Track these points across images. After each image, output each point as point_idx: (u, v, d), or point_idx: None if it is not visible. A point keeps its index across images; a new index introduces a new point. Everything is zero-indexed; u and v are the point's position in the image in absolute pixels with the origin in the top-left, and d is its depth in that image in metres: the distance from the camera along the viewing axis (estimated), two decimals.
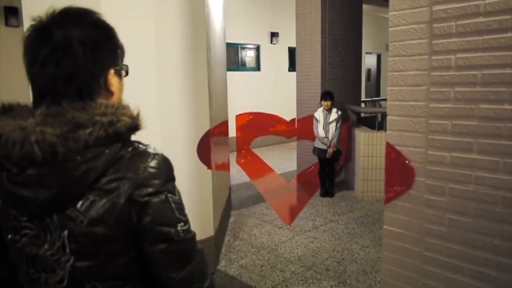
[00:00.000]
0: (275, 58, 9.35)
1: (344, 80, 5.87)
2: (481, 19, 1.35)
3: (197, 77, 3.08)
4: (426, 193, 1.55)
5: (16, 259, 0.83)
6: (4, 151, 0.70)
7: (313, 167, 5.73)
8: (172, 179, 0.82)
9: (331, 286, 3.13)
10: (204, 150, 3.18)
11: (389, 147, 1.64)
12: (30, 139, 0.68)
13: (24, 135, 0.69)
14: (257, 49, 9.05)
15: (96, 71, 0.77)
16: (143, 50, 2.74)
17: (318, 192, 5.31)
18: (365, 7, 6.50)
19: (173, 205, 0.79)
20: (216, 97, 3.73)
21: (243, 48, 8.83)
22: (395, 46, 1.57)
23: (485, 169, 1.40)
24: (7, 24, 5.47)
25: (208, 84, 3.22)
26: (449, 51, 1.44)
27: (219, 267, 3.41)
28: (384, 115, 4.67)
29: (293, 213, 4.67)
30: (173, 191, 0.81)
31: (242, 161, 6.78)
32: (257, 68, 9.12)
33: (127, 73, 0.87)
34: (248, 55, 9.00)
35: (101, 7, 2.41)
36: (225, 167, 4.40)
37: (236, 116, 6.59)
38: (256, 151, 7.75)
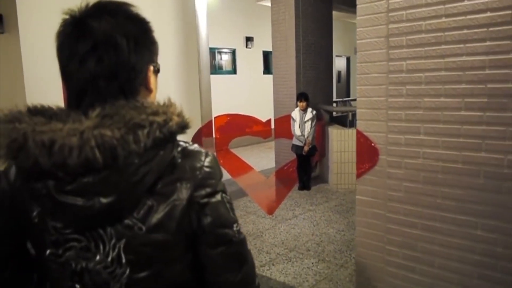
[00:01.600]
0: (250, 61, 9.84)
1: (317, 81, 6.42)
2: (423, 35, 1.87)
3: (189, 80, 3.51)
4: (387, 167, 2.05)
5: (56, 276, 0.76)
6: (59, 159, 0.64)
7: (290, 164, 6.23)
8: (222, 176, 0.81)
9: (312, 263, 3.61)
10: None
11: (359, 133, 2.14)
12: (90, 143, 0.63)
13: (82, 140, 0.64)
14: (233, 53, 9.51)
15: (138, 67, 0.74)
16: None
17: (296, 186, 5.83)
18: (335, 13, 7.08)
19: (227, 205, 0.78)
20: (204, 98, 4.17)
21: (220, 52, 9.27)
22: (361, 55, 2.07)
23: (429, 146, 1.91)
24: None
25: (199, 87, 3.66)
26: (401, 59, 1.94)
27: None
28: (354, 114, 5.23)
29: (274, 204, 5.14)
30: (226, 190, 0.80)
31: (222, 160, 7.20)
32: (233, 71, 9.57)
33: (159, 70, 0.84)
34: (224, 59, 9.44)
35: None
36: None
37: (214, 117, 6.99)
38: (235, 151, 8.19)
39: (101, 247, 0.72)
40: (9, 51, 3.97)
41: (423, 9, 1.85)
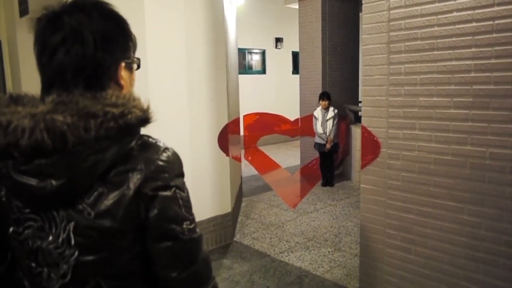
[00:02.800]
0: (279, 61, 10.16)
1: (342, 82, 6.67)
2: (419, 42, 2.14)
3: (218, 79, 3.88)
4: (387, 159, 2.34)
5: (17, 253, 0.82)
6: (12, 139, 0.68)
7: (314, 161, 6.51)
8: (182, 174, 0.82)
9: (328, 252, 3.90)
10: (223, 140, 3.98)
11: (364, 128, 2.43)
12: (40, 126, 0.67)
13: (34, 122, 0.68)
14: (263, 53, 9.87)
15: (106, 63, 0.77)
16: (175, 58, 3.53)
17: (319, 182, 6.11)
18: (362, 15, 7.29)
19: (180, 201, 0.79)
20: (231, 97, 4.54)
21: (250, 53, 9.65)
22: (366, 59, 2.37)
23: (423, 140, 2.18)
24: (21, 16, 6.02)
25: (227, 86, 4.03)
26: (400, 63, 2.23)
27: (235, 239, 4.20)
28: None
29: (297, 199, 5.46)
30: (182, 187, 0.81)
31: (250, 157, 7.57)
32: (263, 71, 9.93)
33: (138, 67, 0.87)
34: (255, 59, 9.82)
35: (145, 26, 3.22)
36: (238, 157, 5.19)
37: (244, 116, 7.35)
38: (262, 148, 8.55)
39: (54, 228, 0.76)
40: None
41: (419, 19, 2.13)
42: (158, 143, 0.81)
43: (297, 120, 7.61)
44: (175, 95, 3.49)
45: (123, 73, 0.81)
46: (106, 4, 0.80)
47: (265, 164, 7.47)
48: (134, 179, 0.75)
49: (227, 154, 4.06)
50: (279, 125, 9.44)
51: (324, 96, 5.79)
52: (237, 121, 5.22)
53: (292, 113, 7.90)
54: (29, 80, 5.24)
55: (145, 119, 0.77)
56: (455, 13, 2.00)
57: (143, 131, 0.81)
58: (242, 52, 9.34)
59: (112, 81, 0.79)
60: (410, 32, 2.17)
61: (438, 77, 2.09)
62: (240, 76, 6.15)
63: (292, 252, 3.90)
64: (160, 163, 0.78)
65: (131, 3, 3.13)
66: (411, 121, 2.22)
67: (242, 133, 7.18)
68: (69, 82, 0.74)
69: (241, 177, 5.77)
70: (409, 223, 2.28)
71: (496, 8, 1.87)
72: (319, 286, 3.25)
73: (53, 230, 0.76)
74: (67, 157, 0.70)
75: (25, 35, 5.40)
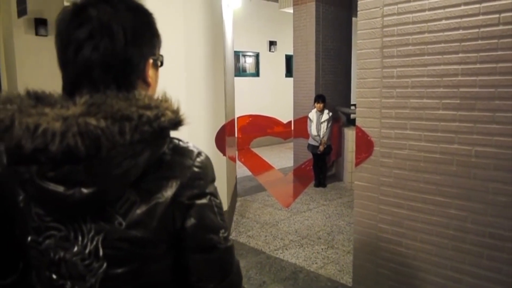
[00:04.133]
0: (273, 64, 10.33)
1: (335, 85, 6.85)
2: (410, 47, 2.30)
3: (216, 81, 4.02)
4: (380, 157, 2.49)
5: (36, 264, 0.76)
6: (41, 143, 0.63)
7: (307, 162, 6.67)
8: (214, 179, 0.80)
9: (322, 249, 4.05)
10: (220, 140, 4.11)
11: (358, 128, 2.58)
12: (73, 130, 0.63)
13: (66, 126, 0.63)
14: (257, 56, 10.03)
15: (135, 60, 0.73)
16: (175, 59, 3.66)
17: (312, 183, 6.26)
18: (355, 19, 7.49)
19: (216, 209, 0.77)
20: (228, 98, 4.67)
21: (244, 55, 9.80)
22: (360, 63, 2.52)
23: (414, 139, 2.34)
24: (37, 34, 6.32)
25: (224, 87, 4.17)
26: (393, 67, 2.38)
27: (230, 237, 4.31)
28: None
29: (291, 198, 5.60)
30: (216, 193, 0.79)
31: (243, 158, 7.71)
32: (257, 74, 10.08)
33: (162, 64, 0.84)
34: (248, 62, 9.97)
35: None
36: (233, 158, 5.32)
37: (237, 117, 7.48)
38: (256, 150, 8.69)
39: (80, 238, 0.71)
40: (54, 54, 4.58)
41: (410, 26, 2.29)
42: (190, 147, 0.78)
43: (289, 122, 7.76)
44: (174, 96, 3.61)
45: (150, 70, 0.78)
46: None
47: (259, 165, 7.61)
48: (170, 187, 0.72)
49: (224, 154, 4.19)
50: (272, 127, 9.58)
51: (319, 98, 5.96)
52: (232, 122, 5.35)
53: (285, 115, 8.05)
54: (25, 80, 5.30)
55: (178, 122, 0.72)
56: (444, 21, 2.16)
57: None
58: (236, 55, 9.49)
59: (140, 79, 0.76)
60: (402, 38, 2.33)
61: (428, 80, 2.25)
62: (234, 78, 6.29)
63: (286, 249, 4.03)
64: (196, 169, 0.75)
65: None
66: (403, 122, 2.37)
67: (235, 135, 7.29)
68: (97, 80, 0.70)
69: (236, 177, 5.89)
70: (400, 217, 2.44)
71: (481, 17, 2.04)
72: (313, 281, 3.39)
73: (79, 241, 0.71)
74: (99, 163, 0.65)
75: (22, 35, 5.48)
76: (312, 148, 6.02)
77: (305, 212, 5.13)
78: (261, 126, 9.35)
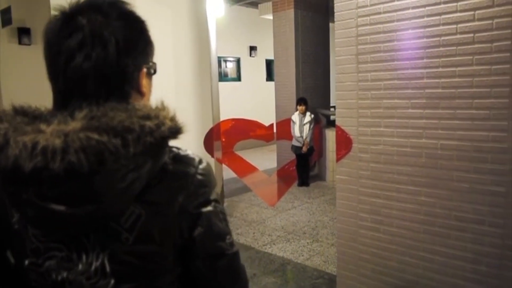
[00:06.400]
0: (254, 69, 10.62)
1: (315, 88, 7.19)
2: (382, 54, 2.61)
3: (202, 86, 4.27)
4: (358, 152, 2.79)
5: (37, 287, 0.73)
6: (41, 162, 0.60)
7: (290, 163, 6.96)
8: (216, 185, 0.80)
9: (307, 242, 4.32)
10: (208, 142, 4.35)
11: (338, 127, 2.88)
12: (75, 146, 0.60)
13: (67, 142, 0.60)
14: (238, 61, 10.30)
15: (129, 68, 0.72)
16: (164, 66, 3.89)
17: (296, 183, 6.56)
18: (332, 25, 7.85)
19: (220, 215, 0.77)
20: (214, 103, 4.92)
21: (225, 61, 10.07)
22: (339, 68, 2.82)
23: (387, 136, 2.64)
24: (20, 43, 6.38)
25: (211, 92, 4.42)
26: (367, 71, 2.69)
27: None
28: None
29: (276, 198, 5.87)
30: (218, 199, 0.79)
31: (228, 161, 7.94)
32: (238, 78, 10.36)
33: (155, 72, 0.82)
34: (229, 67, 10.23)
35: None
36: (220, 160, 5.56)
37: (220, 122, 7.71)
38: (239, 153, 8.92)
39: (84, 256, 0.69)
40: (37, 63, 4.72)
41: (381, 35, 2.60)
42: (191, 155, 0.78)
43: (272, 125, 8.03)
44: (164, 100, 3.85)
45: (144, 80, 0.77)
46: (124, 3, 0.75)
47: (244, 168, 7.85)
48: (175, 197, 0.71)
49: (213, 156, 4.43)
50: (255, 131, 9.83)
51: (301, 101, 6.28)
52: (218, 126, 5.59)
53: (267, 118, 8.30)
54: (9, 89, 5.40)
55: (178, 130, 0.71)
56: (410, 31, 2.48)
57: None
58: (218, 60, 9.73)
59: (134, 89, 0.75)
60: (375, 45, 2.64)
61: (398, 83, 2.56)
62: None
63: (274, 244, 4.30)
64: (200, 177, 0.75)
65: None
66: (377, 120, 2.68)
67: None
68: (90, 92, 0.68)
69: (222, 179, 6.13)
70: (378, 206, 2.73)
71: (441, 27, 2.36)
72: (300, 272, 3.66)
73: (83, 259, 0.69)
74: (102, 178, 0.63)
75: (6, 45, 5.58)
76: (295, 149, 6.32)
77: (290, 210, 5.41)
78: (244, 130, 9.57)
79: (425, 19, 2.42)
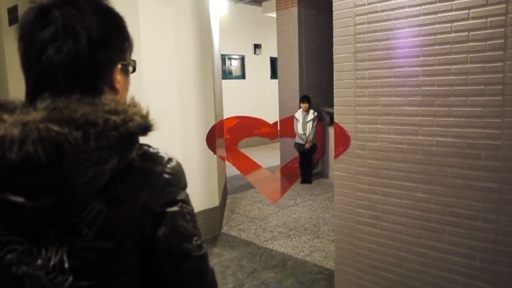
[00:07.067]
0: (258, 67, 10.67)
1: (318, 86, 7.23)
2: (379, 52, 2.66)
3: (205, 84, 4.33)
4: (356, 149, 2.84)
5: None
6: None
7: (293, 160, 7.02)
8: (186, 186, 0.79)
9: (308, 239, 4.39)
10: (211, 140, 4.42)
11: (336, 124, 2.93)
12: (33, 136, 0.60)
13: (25, 132, 0.60)
14: (242, 59, 10.37)
15: (101, 64, 0.72)
16: (167, 64, 3.97)
17: (298, 180, 6.62)
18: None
19: (188, 216, 0.76)
20: (217, 100, 4.99)
21: (230, 58, 10.13)
22: (337, 66, 2.87)
23: (384, 133, 2.69)
24: (10, 25, 6.27)
25: (213, 89, 4.49)
26: (364, 69, 2.74)
27: (222, 231, 4.63)
28: None
29: (278, 194, 5.94)
30: (188, 200, 0.78)
31: (232, 159, 8.02)
32: (242, 76, 10.42)
33: (134, 69, 0.82)
34: (234, 65, 10.30)
35: (140, 37, 3.64)
36: (223, 157, 5.64)
37: (224, 119, 7.79)
38: (243, 150, 9.00)
39: (43, 251, 0.68)
40: None
41: (378, 33, 2.65)
42: (161, 153, 0.77)
43: (276, 123, 8.10)
44: (167, 98, 3.93)
45: (119, 76, 0.77)
46: None
47: (247, 165, 7.93)
48: (139, 195, 0.71)
49: (215, 153, 4.50)
50: (259, 128, 9.90)
51: (304, 99, 6.33)
52: (221, 123, 5.67)
53: (271, 116, 8.37)
54: (17, 91, 5.51)
55: (147, 127, 0.71)
56: (406, 29, 2.53)
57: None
58: (222, 58, 9.79)
59: (107, 85, 0.75)
60: (372, 44, 2.69)
61: (394, 80, 2.61)
62: (222, 81, 6.61)
63: (275, 240, 4.36)
64: (166, 176, 0.74)
65: (127, 20, 3.55)
66: (374, 117, 2.73)
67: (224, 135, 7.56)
68: (60, 85, 0.69)
69: (226, 175, 6.20)
70: (375, 202, 2.79)
71: (437, 26, 2.41)
72: (300, 267, 3.72)
73: (43, 254, 0.68)
74: (62, 171, 0.63)
75: (13, 43, 5.69)
76: (298, 146, 6.38)
77: (292, 207, 5.47)
78: (248, 127, 9.66)
79: (421, 17, 2.47)
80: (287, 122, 6.95)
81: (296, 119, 6.38)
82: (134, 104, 0.72)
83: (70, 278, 0.68)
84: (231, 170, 7.31)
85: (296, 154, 6.63)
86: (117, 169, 0.68)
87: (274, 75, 10.64)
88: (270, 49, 10.23)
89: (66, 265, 0.68)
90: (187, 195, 0.79)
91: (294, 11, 6.84)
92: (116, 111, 0.68)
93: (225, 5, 8.20)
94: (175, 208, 0.74)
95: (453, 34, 2.37)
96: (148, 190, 0.71)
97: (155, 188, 0.72)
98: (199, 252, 0.77)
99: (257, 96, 10.44)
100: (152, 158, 0.75)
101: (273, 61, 10.65)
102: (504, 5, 2.17)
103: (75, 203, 0.67)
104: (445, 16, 2.38)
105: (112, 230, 0.69)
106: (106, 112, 0.66)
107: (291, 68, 7.05)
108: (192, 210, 0.79)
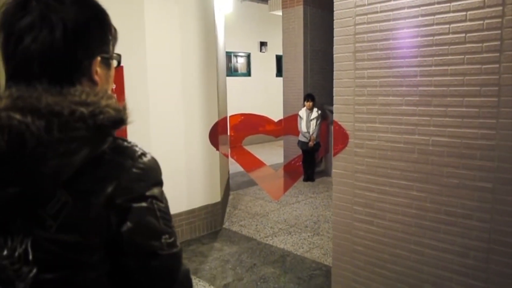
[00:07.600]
0: (264, 64, 10.72)
1: (323, 85, 7.26)
2: (378, 52, 2.71)
3: (209, 81, 4.40)
4: (354, 147, 2.89)
5: None
6: None
7: (297, 158, 7.07)
8: (160, 183, 0.77)
9: (308, 235, 4.44)
10: (213, 136, 4.49)
11: (335, 123, 2.98)
12: None
13: None
14: (248, 56, 10.42)
15: (78, 56, 0.71)
16: (171, 61, 4.03)
17: (301, 178, 6.67)
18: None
19: (158, 213, 0.74)
20: (221, 97, 5.05)
21: (236, 56, 10.19)
22: (337, 65, 2.92)
23: (382, 132, 2.74)
24: None
25: (217, 86, 4.55)
26: (364, 69, 2.78)
27: (224, 226, 4.70)
28: None
29: (280, 192, 6.00)
30: (160, 197, 0.76)
31: (236, 156, 8.09)
32: (248, 73, 10.47)
33: (119, 63, 0.82)
34: (240, 62, 10.35)
35: (145, 34, 3.71)
36: (226, 154, 5.71)
37: (229, 116, 7.85)
38: (247, 148, 9.06)
39: (9, 241, 0.68)
40: None
41: (378, 33, 2.69)
42: (134, 147, 0.76)
43: (281, 120, 8.14)
44: (171, 95, 4.00)
45: (99, 68, 0.76)
46: None
47: (251, 162, 7.99)
48: (106, 188, 0.69)
49: (217, 149, 4.57)
50: (264, 126, 9.95)
51: (308, 97, 6.38)
52: (224, 120, 5.73)
53: (276, 114, 8.41)
54: None
55: (120, 120, 0.71)
56: (405, 30, 2.57)
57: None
58: (228, 55, 9.86)
59: (85, 77, 0.74)
60: (371, 44, 2.73)
61: (392, 80, 2.65)
62: (227, 78, 6.67)
63: (275, 236, 4.43)
64: (135, 170, 0.73)
65: (132, 17, 3.63)
66: (373, 116, 2.77)
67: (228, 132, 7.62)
68: (35, 75, 0.68)
69: (228, 172, 6.27)
70: (372, 200, 2.84)
71: (435, 27, 2.45)
72: (299, 263, 3.78)
73: (9, 244, 0.67)
74: (25, 160, 0.62)
75: None
76: (301, 144, 6.43)
77: (294, 204, 5.53)
78: (253, 125, 9.71)
79: (420, 18, 2.51)
80: (291, 120, 7.00)
81: (300, 117, 6.43)
82: (107, 97, 0.71)
83: (34, 270, 0.67)
84: (234, 166, 7.37)
85: (299, 152, 6.68)
86: (87, 162, 0.68)
87: (279, 73, 10.68)
88: (276, 47, 10.26)
89: (31, 257, 0.67)
90: (161, 192, 0.77)
91: (299, 9, 6.88)
92: (86, 103, 0.67)
93: (231, 3, 8.25)
94: (143, 204, 0.72)
95: (451, 36, 2.41)
96: (115, 184, 0.70)
97: (122, 182, 0.71)
98: (169, 250, 0.75)
99: (263, 94, 10.50)
100: (123, 152, 0.74)
101: (279, 59, 10.69)
102: (500, 8, 2.21)
103: (40, 194, 0.67)
104: (443, 17, 2.42)
105: (76, 223, 0.68)
106: (73, 103, 0.66)
107: (296, 66, 7.09)
108: (165, 207, 0.77)
